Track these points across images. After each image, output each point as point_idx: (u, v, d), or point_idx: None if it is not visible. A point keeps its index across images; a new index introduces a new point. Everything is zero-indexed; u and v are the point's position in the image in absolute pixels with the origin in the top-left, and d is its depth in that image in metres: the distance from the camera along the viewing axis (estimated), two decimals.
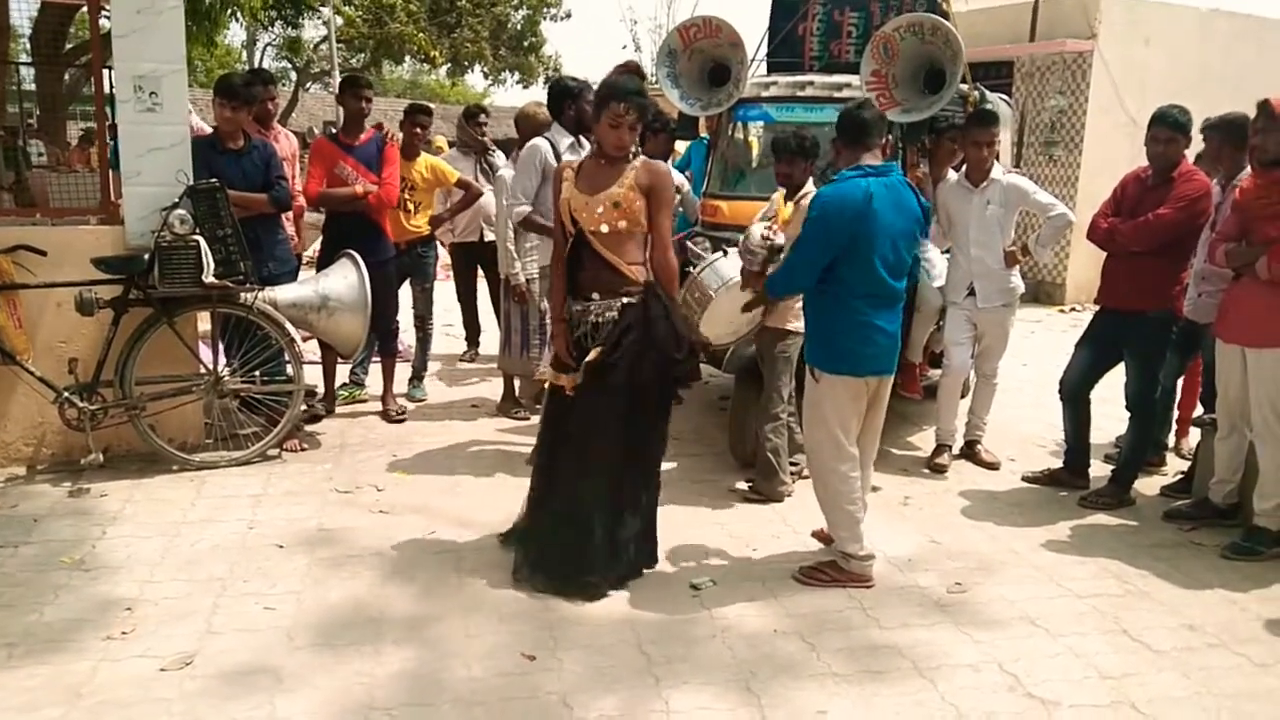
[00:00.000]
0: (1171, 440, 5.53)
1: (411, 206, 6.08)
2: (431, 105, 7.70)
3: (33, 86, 13.42)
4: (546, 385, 3.92)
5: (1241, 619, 3.67)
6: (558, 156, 4.87)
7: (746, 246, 4.26)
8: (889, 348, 3.81)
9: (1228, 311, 4.34)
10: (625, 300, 3.64)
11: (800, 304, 4.13)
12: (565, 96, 5.05)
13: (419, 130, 6.24)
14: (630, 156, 3.70)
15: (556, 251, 3.88)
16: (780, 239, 4.23)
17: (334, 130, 5.83)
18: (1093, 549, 4.28)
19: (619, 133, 3.62)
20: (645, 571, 3.86)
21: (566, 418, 3.75)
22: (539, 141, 5.03)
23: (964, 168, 5.21)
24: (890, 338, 3.80)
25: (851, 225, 3.62)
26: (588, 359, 3.62)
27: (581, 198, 3.66)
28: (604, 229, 3.63)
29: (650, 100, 3.68)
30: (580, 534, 3.67)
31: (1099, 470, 5.04)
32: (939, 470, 5.22)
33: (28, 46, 12.28)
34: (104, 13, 5.23)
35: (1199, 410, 5.22)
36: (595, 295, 3.69)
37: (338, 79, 15.11)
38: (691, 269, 4.68)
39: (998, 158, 5.25)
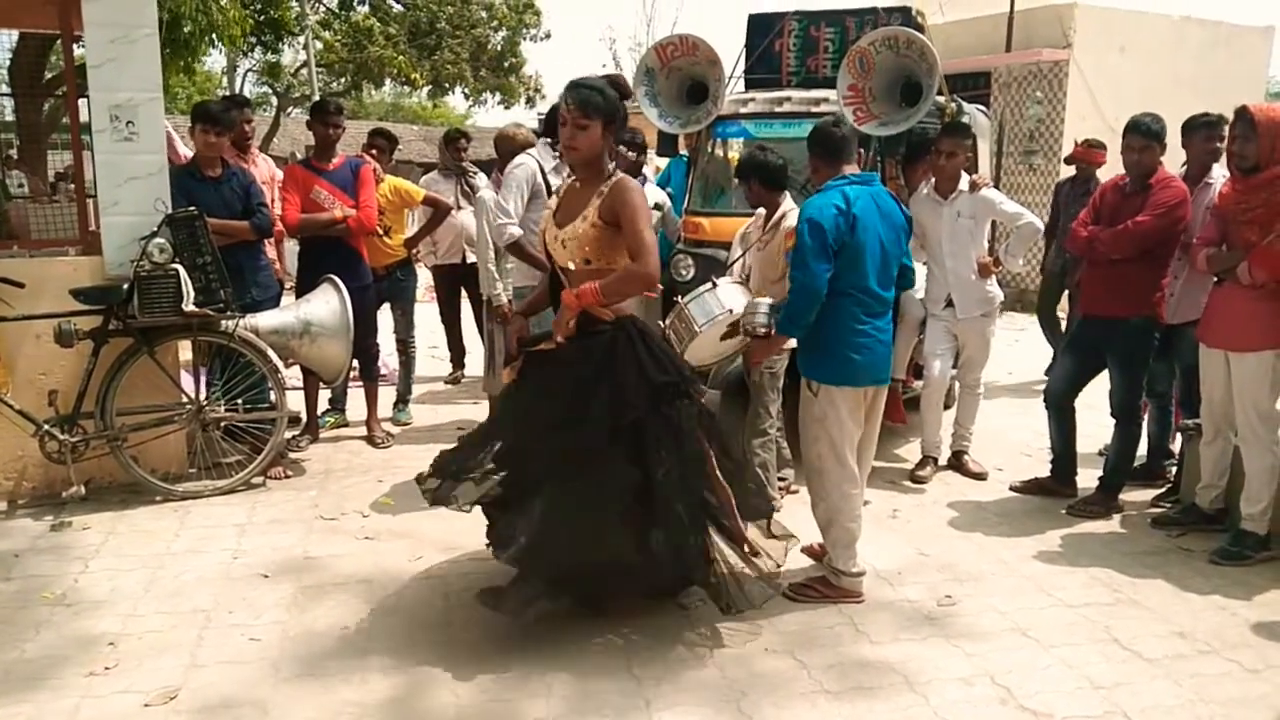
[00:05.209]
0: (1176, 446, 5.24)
1: (381, 230, 6.07)
2: (414, 127, 7.72)
3: (12, 117, 13.35)
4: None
5: (1231, 624, 3.67)
6: (544, 175, 4.83)
7: (754, 322, 4.03)
8: (885, 355, 3.83)
9: (1210, 316, 4.35)
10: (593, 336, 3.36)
11: None
12: None
13: (374, 152, 6.28)
14: (607, 174, 3.39)
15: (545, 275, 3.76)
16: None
17: (306, 156, 5.85)
18: (1082, 558, 4.27)
19: (564, 130, 3.35)
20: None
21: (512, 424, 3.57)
22: (527, 159, 4.82)
23: (933, 180, 5.24)
24: (886, 346, 3.83)
25: (842, 230, 3.63)
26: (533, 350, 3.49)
27: (554, 230, 3.46)
28: (571, 266, 3.42)
29: (610, 101, 3.30)
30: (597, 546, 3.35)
31: (1086, 478, 5.04)
32: (919, 482, 5.23)
33: (6, 77, 12.25)
34: (79, 43, 5.22)
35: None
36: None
37: None
38: (679, 298, 4.57)
39: (970, 169, 5.27)
